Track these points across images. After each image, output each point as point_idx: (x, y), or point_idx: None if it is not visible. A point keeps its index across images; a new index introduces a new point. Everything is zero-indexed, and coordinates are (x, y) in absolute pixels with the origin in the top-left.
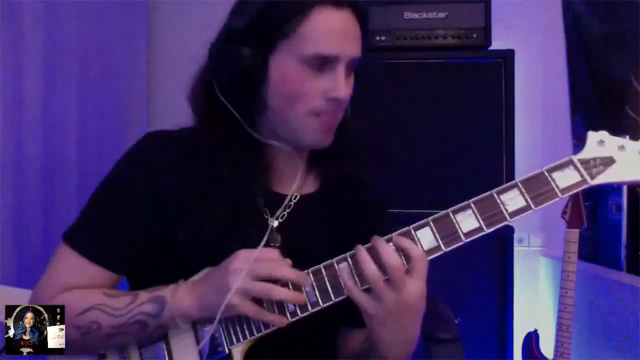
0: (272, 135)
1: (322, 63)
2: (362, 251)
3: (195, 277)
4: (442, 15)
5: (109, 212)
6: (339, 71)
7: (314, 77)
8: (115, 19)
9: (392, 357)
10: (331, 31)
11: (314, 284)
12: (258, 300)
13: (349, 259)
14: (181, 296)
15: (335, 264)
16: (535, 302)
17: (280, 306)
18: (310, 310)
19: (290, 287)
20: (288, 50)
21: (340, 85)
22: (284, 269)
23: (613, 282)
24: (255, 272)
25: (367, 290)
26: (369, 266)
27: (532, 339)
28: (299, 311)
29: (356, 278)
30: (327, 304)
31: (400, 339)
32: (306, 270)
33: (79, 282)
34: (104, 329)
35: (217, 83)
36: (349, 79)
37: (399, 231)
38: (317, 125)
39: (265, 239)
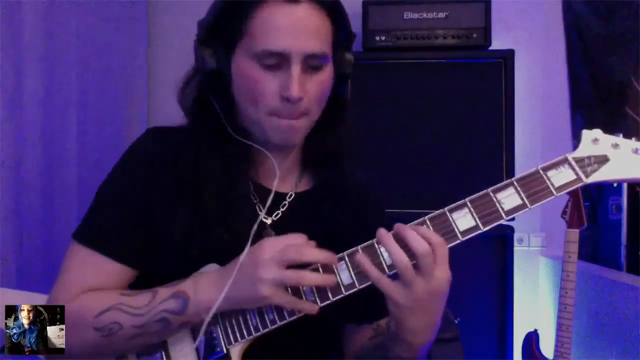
0: (248, 131)
1: (275, 61)
2: (389, 238)
3: (200, 272)
4: (442, 15)
5: (116, 207)
6: (292, 69)
7: (269, 75)
8: (115, 19)
9: (418, 343)
10: (280, 27)
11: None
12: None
13: (360, 250)
14: (205, 290)
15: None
16: (535, 302)
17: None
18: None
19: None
20: (244, 48)
21: (293, 83)
22: (312, 251)
23: (613, 282)
24: (284, 259)
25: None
26: (399, 253)
27: (532, 339)
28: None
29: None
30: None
31: (427, 325)
32: (313, 266)
33: (95, 279)
34: (126, 330)
35: (198, 82)
36: (312, 76)
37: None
38: (278, 126)
39: (252, 233)
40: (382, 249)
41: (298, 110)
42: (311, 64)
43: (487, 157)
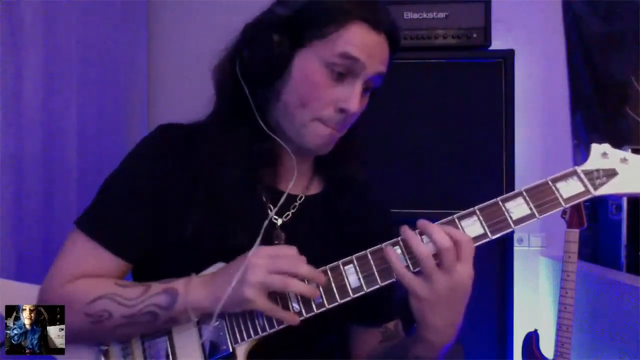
0: (278, 129)
1: (345, 69)
2: (412, 233)
3: (208, 271)
4: (442, 15)
5: (121, 200)
6: (356, 84)
7: (332, 84)
8: (115, 19)
9: (439, 341)
10: (363, 44)
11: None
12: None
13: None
14: (194, 289)
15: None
16: (535, 302)
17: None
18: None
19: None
20: (316, 51)
21: (354, 98)
22: (303, 266)
23: (613, 282)
24: (274, 267)
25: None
26: (422, 248)
27: (532, 339)
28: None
29: (409, 262)
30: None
31: (448, 323)
32: (322, 268)
33: (90, 268)
34: (115, 319)
35: (241, 63)
36: (363, 98)
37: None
38: (320, 132)
39: (260, 234)
40: None
41: (346, 123)
42: (368, 85)
43: (486, 157)
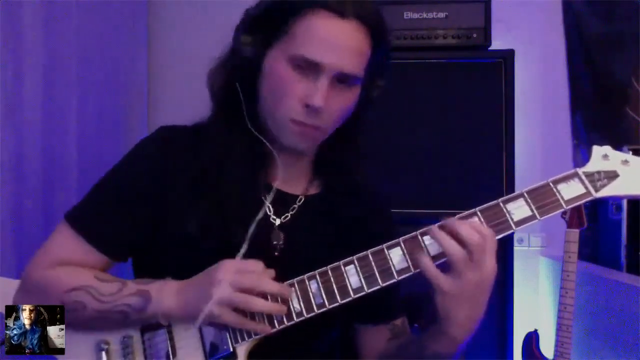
0: (265, 128)
1: (307, 68)
2: (438, 230)
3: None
4: (442, 15)
5: (113, 199)
6: (320, 79)
7: (297, 80)
8: (115, 19)
9: (461, 336)
10: (322, 38)
11: (320, 286)
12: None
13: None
14: (167, 296)
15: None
16: (535, 302)
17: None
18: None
19: (270, 298)
20: (281, 48)
21: (317, 93)
22: (267, 282)
23: (613, 282)
24: (238, 284)
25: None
26: (452, 244)
27: (532, 339)
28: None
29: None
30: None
31: (472, 317)
32: (290, 281)
33: (73, 259)
34: (88, 312)
35: (229, 67)
36: (338, 92)
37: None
38: (296, 131)
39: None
40: (391, 253)
41: (321, 119)
42: (341, 80)
43: (486, 157)
